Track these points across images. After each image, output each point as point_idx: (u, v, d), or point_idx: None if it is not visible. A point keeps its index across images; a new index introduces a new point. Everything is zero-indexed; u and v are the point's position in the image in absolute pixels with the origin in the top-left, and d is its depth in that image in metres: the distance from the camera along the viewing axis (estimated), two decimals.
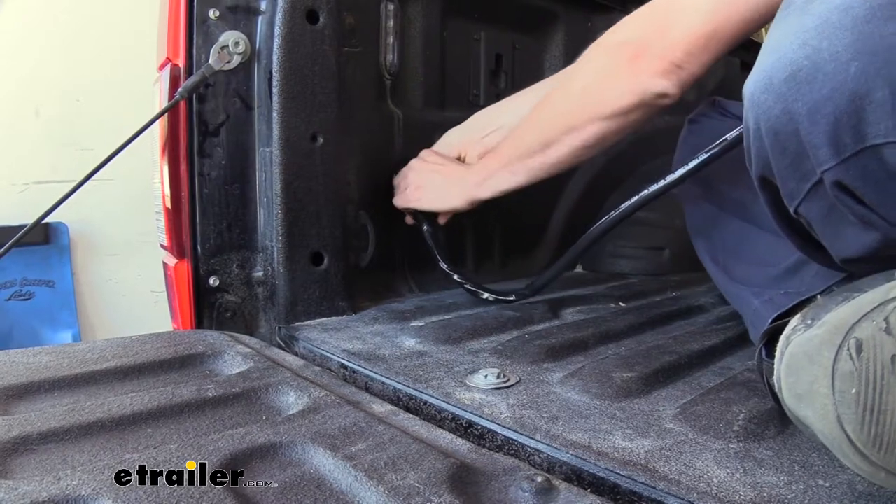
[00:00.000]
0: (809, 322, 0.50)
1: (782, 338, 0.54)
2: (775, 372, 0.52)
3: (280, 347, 0.98)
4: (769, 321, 0.70)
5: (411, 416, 0.67)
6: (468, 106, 1.35)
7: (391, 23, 1.19)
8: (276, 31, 0.97)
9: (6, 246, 0.92)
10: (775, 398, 0.63)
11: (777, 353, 0.53)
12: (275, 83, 0.98)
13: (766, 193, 0.60)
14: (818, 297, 0.61)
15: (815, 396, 0.47)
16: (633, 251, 1.54)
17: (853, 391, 0.46)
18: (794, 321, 0.55)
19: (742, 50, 2.07)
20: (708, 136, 0.91)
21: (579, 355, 0.87)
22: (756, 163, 0.58)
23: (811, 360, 0.48)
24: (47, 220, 1.00)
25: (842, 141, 0.49)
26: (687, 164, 0.92)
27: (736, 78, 1.97)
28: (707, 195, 1.00)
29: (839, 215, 0.53)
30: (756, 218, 0.89)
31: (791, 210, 0.57)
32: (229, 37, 0.97)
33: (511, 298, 1.14)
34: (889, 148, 0.47)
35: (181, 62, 0.97)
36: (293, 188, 1.00)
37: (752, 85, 0.54)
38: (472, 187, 1.07)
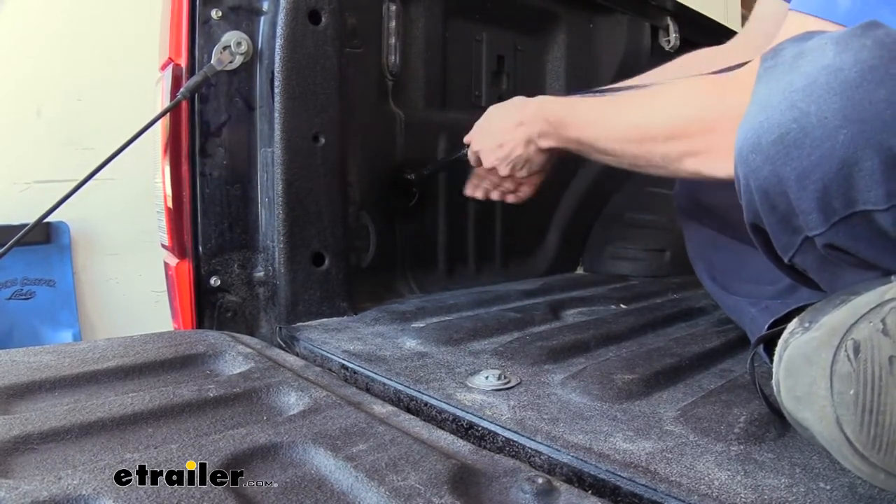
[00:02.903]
0: (807, 325, 0.50)
1: (780, 341, 0.54)
2: (774, 375, 0.52)
3: (281, 348, 0.98)
4: (765, 327, 0.70)
5: (412, 416, 0.67)
6: (470, 107, 1.35)
7: (393, 23, 1.19)
8: (278, 31, 0.97)
9: (7, 245, 0.92)
10: (768, 404, 0.63)
11: (775, 357, 0.53)
12: (276, 83, 0.98)
13: (759, 237, 0.60)
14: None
15: (814, 398, 0.47)
16: (634, 253, 1.54)
17: (851, 392, 0.46)
18: (792, 324, 0.55)
19: None
20: None
21: (580, 357, 0.87)
22: (747, 213, 0.58)
23: (809, 362, 0.48)
24: (48, 219, 1.00)
25: (831, 206, 0.49)
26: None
27: None
28: (705, 219, 1.00)
29: (834, 263, 0.54)
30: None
31: (785, 259, 0.58)
32: (231, 37, 0.97)
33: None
34: (879, 214, 0.48)
35: (183, 62, 0.97)
36: (294, 188, 1.00)
37: (741, 142, 0.54)
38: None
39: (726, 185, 0.88)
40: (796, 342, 0.49)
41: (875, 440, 0.45)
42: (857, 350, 0.46)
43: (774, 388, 0.52)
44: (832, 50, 0.49)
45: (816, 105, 0.48)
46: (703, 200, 0.98)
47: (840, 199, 0.48)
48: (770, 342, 0.68)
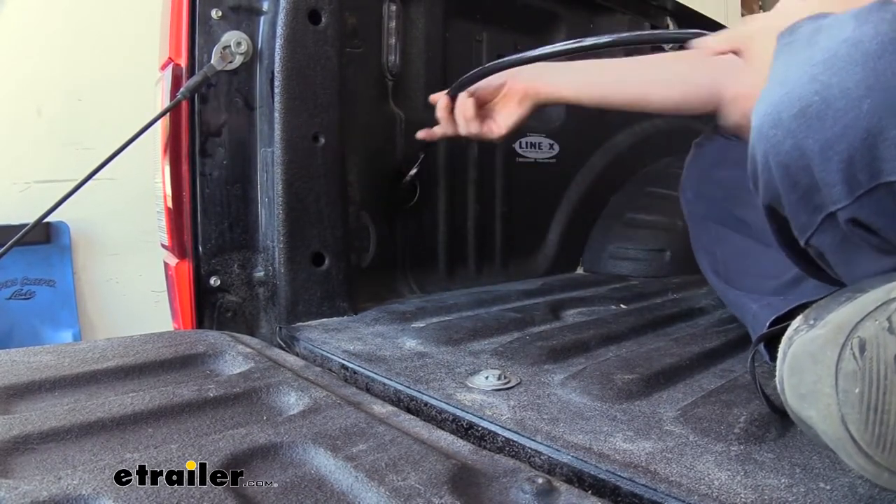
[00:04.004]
0: (812, 322, 0.50)
1: (784, 338, 0.54)
2: (778, 372, 0.52)
3: (281, 348, 0.98)
4: (767, 324, 0.70)
5: (412, 417, 0.67)
6: None
7: (393, 23, 1.19)
8: (279, 31, 0.97)
9: (7, 245, 0.92)
10: (768, 402, 0.63)
11: (779, 354, 0.53)
12: (276, 83, 0.98)
13: (774, 221, 0.60)
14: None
15: (819, 396, 0.47)
16: (634, 253, 1.54)
17: (857, 391, 0.45)
18: (797, 321, 0.54)
19: None
20: (714, 157, 0.91)
21: (580, 357, 0.87)
22: (764, 194, 0.57)
23: (815, 359, 0.47)
24: (48, 219, 1.00)
25: (855, 178, 0.48)
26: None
27: None
28: (711, 214, 1.00)
29: (853, 245, 0.53)
30: (758, 235, 0.90)
31: (802, 242, 0.57)
32: (231, 37, 0.97)
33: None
34: None
35: (183, 62, 0.97)
36: (294, 188, 1.00)
37: (760, 118, 0.53)
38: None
39: (732, 178, 0.89)
40: (801, 339, 0.49)
41: (879, 439, 0.45)
42: (862, 348, 0.46)
43: (778, 385, 0.52)
44: (851, 24, 0.49)
45: (838, 77, 0.48)
46: (710, 193, 0.98)
47: (865, 171, 0.48)
48: (771, 340, 0.68)
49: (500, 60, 1.00)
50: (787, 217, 0.57)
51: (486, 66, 1.01)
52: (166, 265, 1.05)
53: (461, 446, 0.59)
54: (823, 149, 0.49)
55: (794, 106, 0.50)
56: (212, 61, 0.96)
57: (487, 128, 1.06)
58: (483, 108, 1.06)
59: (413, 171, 1.22)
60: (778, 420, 0.63)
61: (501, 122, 1.06)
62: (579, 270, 1.61)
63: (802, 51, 0.51)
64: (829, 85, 0.48)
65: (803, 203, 0.53)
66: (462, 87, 1.05)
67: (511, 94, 1.05)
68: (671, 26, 1.69)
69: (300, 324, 1.02)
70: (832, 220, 0.52)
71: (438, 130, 1.11)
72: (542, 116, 1.50)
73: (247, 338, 0.94)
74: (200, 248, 0.99)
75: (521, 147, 1.44)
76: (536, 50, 0.95)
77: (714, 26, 1.85)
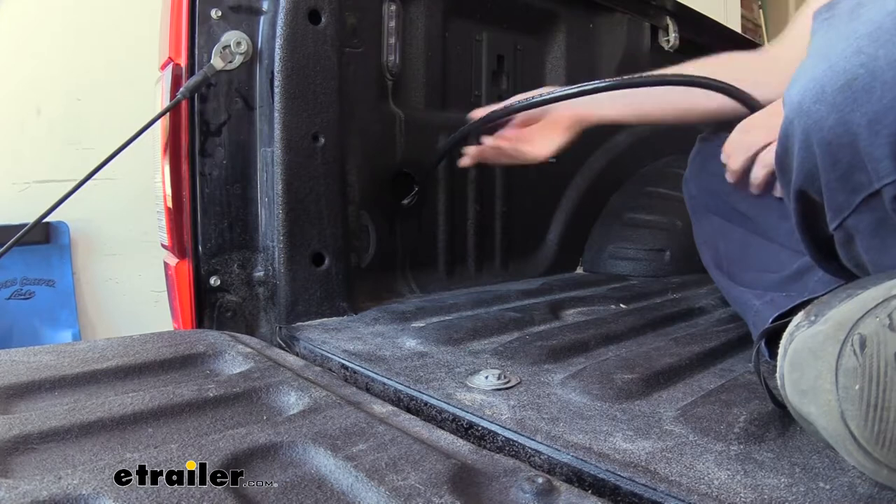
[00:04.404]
0: (813, 318, 0.50)
1: (785, 334, 0.54)
2: (778, 368, 0.52)
3: (281, 347, 0.98)
4: (770, 321, 0.70)
5: (412, 416, 0.67)
6: (469, 107, 1.35)
7: (393, 23, 1.19)
8: (278, 31, 0.97)
9: (7, 245, 0.92)
10: (772, 397, 0.63)
11: (780, 350, 0.53)
12: (276, 83, 0.98)
13: (802, 207, 0.58)
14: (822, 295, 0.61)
15: (819, 392, 0.47)
16: (633, 253, 1.54)
17: (857, 387, 0.45)
18: (798, 318, 0.54)
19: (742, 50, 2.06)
20: (718, 150, 0.91)
21: (580, 357, 0.87)
22: (798, 175, 0.56)
23: (815, 355, 0.47)
24: (48, 219, 1.00)
25: None
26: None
27: None
28: (715, 208, 1.00)
29: (889, 228, 0.52)
30: (761, 229, 0.90)
31: (833, 225, 0.56)
32: (231, 36, 0.97)
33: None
34: None
35: (183, 62, 0.97)
36: (294, 188, 1.00)
37: (800, 94, 0.52)
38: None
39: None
40: (802, 335, 0.49)
41: (879, 436, 0.45)
42: (863, 344, 0.46)
43: (779, 381, 0.52)
44: None
45: (885, 49, 0.47)
46: (713, 187, 0.98)
47: None
48: (772, 338, 0.68)
49: (547, 96, 1.03)
50: (817, 201, 0.56)
51: (532, 100, 1.03)
52: (166, 265, 1.05)
53: (461, 446, 0.59)
54: (871, 122, 0.47)
55: (838, 79, 0.49)
56: (212, 61, 0.96)
57: (529, 151, 1.08)
58: (522, 131, 1.08)
59: (406, 201, 1.25)
60: (778, 419, 0.63)
61: (543, 146, 1.07)
62: (579, 270, 1.61)
63: (844, 25, 0.50)
64: (876, 57, 0.47)
65: (843, 182, 0.52)
66: (505, 115, 1.07)
67: (557, 120, 1.07)
68: (671, 26, 1.69)
69: (300, 324, 1.02)
70: (874, 199, 0.51)
71: (477, 153, 1.13)
72: None
73: (247, 338, 0.94)
74: (200, 248, 0.99)
75: None
76: (578, 86, 0.99)
77: (714, 27, 1.86)
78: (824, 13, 0.53)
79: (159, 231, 1.05)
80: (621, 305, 1.19)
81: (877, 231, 0.54)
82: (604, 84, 0.96)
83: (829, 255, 0.61)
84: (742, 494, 0.50)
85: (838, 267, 0.61)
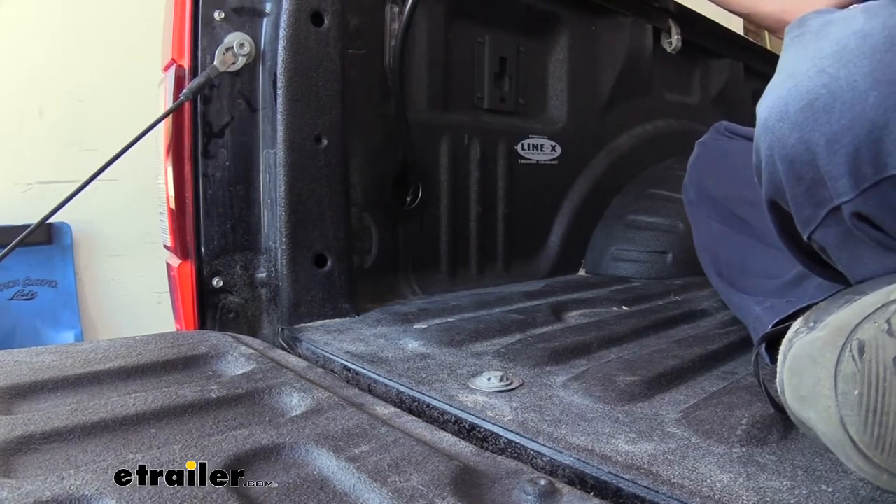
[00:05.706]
0: (812, 324, 0.50)
1: (785, 340, 0.54)
2: (778, 374, 0.52)
3: (283, 349, 0.98)
4: (770, 326, 0.70)
5: (414, 418, 0.67)
6: (472, 109, 1.35)
7: (395, 25, 1.19)
8: (281, 32, 0.98)
9: (10, 246, 0.92)
10: (772, 402, 0.63)
11: (780, 356, 0.53)
12: (279, 85, 0.98)
13: (776, 217, 0.59)
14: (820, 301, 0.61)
15: (818, 398, 0.47)
16: (636, 255, 1.54)
17: (856, 393, 0.45)
18: (797, 324, 0.54)
19: (743, 52, 2.07)
20: (716, 155, 0.91)
21: (582, 359, 0.87)
22: (767, 188, 0.57)
23: (814, 361, 0.47)
24: (50, 220, 1.00)
25: (861, 171, 0.48)
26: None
27: (737, 83, 1.98)
28: (714, 215, 1.00)
29: (856, 240, 0.53)
30: (760, 235, 0.90)
31: (805, 236, 0.56)
32: (234, 38, 0.97)
33: None
34: None
35: (186, 63, 0.97)
36: (297, 190, 1.00)
37: (767, 111, 0.53)
38: None
39: (734, 178, 0.88)
40: (801, 341, 0.49)
41: (878, 441, 0.45)
42: (861, 350, 0.46)
43: (778, 386, 0.52)
44: (861, 17, 0.49)
45: (846, 69, 0.47)
46: (712, 192, 0.98)
47: (870, 164, 0.48)
48: (772, 343, 0.68)
49: None
50: (789, 212, 0.57)
51: None
52: (169, 266, 1.05)
53: (463, 448, 0.59)
54: (829, 142, 0.48)
55: (801, 99, 0.50)
56: (215, 63, 0.96)
57: None
58: None
59: (408, 202, 1.24)
60: (780, 422, 0.63)
61: None
62: (581, 272, 1.60)
63: (813, 43, 0.51)
64: (837, 77, 0.48)
65: (807, 197, 0.53)
66: None
67: None
68: (673, 28, 1.69)
69: (302, 325, 1.02)
70: (836, 214, 0.52)
71: None
72: (544, 118, 1.51)
73: (249, 339, 0.94)
74: (203, 250, 0.99)
75: (522, 149, 1.44)
76: None
77: (718, 30, 1.86)
78: (795, 30, 0.54)
79: (162, 232, 1.05)
80: (623, 307, 1.19)
81: (844, 243, 0.54)
82: None
83: (818, 262, 0.61)
84: (744, 497, 0.50)
85: (834, 273, 0.61)
